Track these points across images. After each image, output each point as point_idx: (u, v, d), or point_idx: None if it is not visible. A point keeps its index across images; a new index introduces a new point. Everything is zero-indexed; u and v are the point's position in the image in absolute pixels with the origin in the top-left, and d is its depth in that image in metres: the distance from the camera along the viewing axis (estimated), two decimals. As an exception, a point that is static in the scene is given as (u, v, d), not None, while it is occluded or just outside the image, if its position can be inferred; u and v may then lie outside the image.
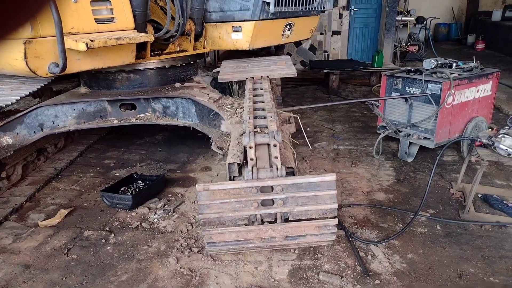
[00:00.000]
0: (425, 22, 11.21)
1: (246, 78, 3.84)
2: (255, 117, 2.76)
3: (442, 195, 3.62)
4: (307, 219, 2.35)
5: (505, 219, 3.17)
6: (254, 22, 4.29)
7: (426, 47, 10.58)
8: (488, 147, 3.28)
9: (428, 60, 4.31)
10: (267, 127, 2.59)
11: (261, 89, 3.48)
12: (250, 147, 2.35)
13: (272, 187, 2.29)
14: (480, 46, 11.59)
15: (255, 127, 2.58)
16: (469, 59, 4.79)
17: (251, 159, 2.33)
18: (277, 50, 6.46)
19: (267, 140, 2.39)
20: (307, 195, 2.29)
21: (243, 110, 3.57)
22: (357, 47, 9.81)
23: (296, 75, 3.96)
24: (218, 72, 4.30)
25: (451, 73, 4.06)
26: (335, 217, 2.32)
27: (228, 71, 4.21)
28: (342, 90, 7.75)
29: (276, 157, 2.32)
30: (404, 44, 10.09)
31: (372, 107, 4.05)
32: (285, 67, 4.15)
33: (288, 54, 8.74)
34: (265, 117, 2.76)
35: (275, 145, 2.36)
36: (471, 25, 13.24)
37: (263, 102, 3.09)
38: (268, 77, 3.85)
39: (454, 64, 4.35)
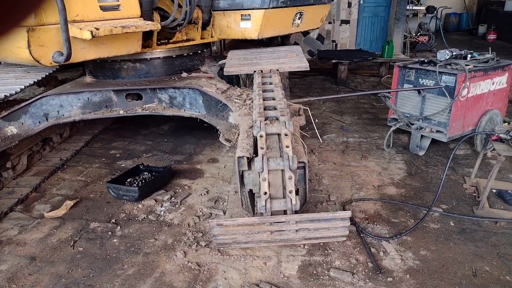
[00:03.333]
0: (435, 12, 10.95)
1: (254, 71, 3.64)
2: (266, 118, 2.60)
3: (455, 190, 3.53)
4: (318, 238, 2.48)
5: (521, 215, 3.08)
6: (263, 10, 4.16)
7: (437, 37, 10.36)
8: (504, 142, 3.17)
9: (442, 51, 4.17)
10: (279, 135, 2.48)
11: (271, 83, 3.29)
12: (264, 180, 2.34)
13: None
14: (492, 36, 11.35)
15: (267, 135, 2.45)
16: (480, 50, 4.65)
17: (265, 193, 2.33)
18: (283, 39, 6.30)
19: (282, 166, 2.35)
20: (319, 226, 2.37)
21: (252, 102, 3.48)
22: (366, 36, 9.63)
23: (309, 68, 3.71)
24: (224, 64, 4.16)
25: (466, 65, 3.93)
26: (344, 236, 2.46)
27: (234, 63, 3.99)
28: (350, 80, 7.62)
29: (290, 192, 2.32)
30: (414, 34, 9.87)
31: (384, 99, 3.95)
32: (296, 60, 3.93)
33: (295, 43, 8.60)
34: (277, 119, 2.59)
35: (290, 178, 2.33)
36: (483, 15, 12.95)
37: (273, 99, 2.90)
38: (278, 70, 3.66)
39: (469, 56, 4.21)
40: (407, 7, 9.17)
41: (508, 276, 2.50)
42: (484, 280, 2.47)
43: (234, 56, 4.36)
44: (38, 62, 3.05)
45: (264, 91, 3.10)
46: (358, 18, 9.39)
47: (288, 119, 2.48)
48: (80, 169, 4.19)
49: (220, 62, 4.35)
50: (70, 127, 4.93)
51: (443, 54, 4.13)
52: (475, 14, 13.51)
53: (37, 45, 2.98)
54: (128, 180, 3.68)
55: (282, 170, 2.35)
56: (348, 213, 2.35)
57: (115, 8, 3.45)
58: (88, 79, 4.42)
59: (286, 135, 2.39)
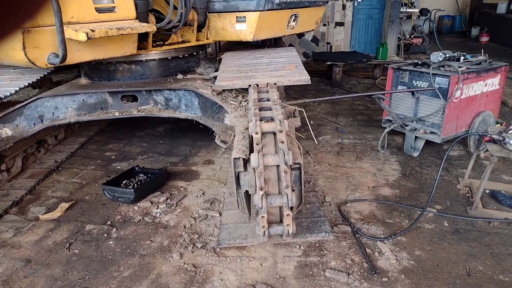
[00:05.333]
0: (429, 14, 11.05)
1: (249, 86, 3.31)
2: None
3: (449, 191, 3.57)
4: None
5: (514, 215, 3.12)
6: (258, 12, 4.17)
7: (430, 39, 10.45)
8: (497, 143, 3.21)
9: (435, 53, 4.22)
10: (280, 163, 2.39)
11: (268, 99, 2.93)
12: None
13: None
14: (485, 39, 11.46)
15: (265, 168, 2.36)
16: (473, 52, 4.71)
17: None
18: (276, 40, 6.31)
19: (281, 232, 2.40)
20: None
21: (247, 104, 3.49)
22: (360, 38, 9.69)
23: (310, 82, 3.33)
24: (215, 77, 3.78)
25: (459, 67, 3.98)
26: None
27: (227, 76, 3.62)
28: (345, 82, 7.66)
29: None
30: (408, 36, 9.96)
31: (378, 100, 3.98)
32: (295, 72, 3.53)
33: (290, 45, 8.63)
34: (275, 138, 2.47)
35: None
36: (476, 17, 13.08)
37: (272, 119, 2.53)
38: (275, 84, 3.27)
39: (462, 58, 4.27)
40: (401, 10, 9.25)
41: (501, 275, 2.53)
42: (477, 279, 2.50)
43: (226, 68, 4.00)
44: (33, 64, 3.04)
45: (261, 109, 2.78)
46: (353, 20, 9.45)
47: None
48: (75, 171, 4.17)
49: (212, 75, 4.10)
50: (65, 129, 4.91)
51: (437, 56, 4.18)
52: (468, 17, 13.64)
53: (32, 46, 2.98)
54: (124, 182, 3.67)
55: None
56: (330, 236, 2.88)
57: (111, 10, 3.45)
58: (83, 80, 4.41)
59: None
